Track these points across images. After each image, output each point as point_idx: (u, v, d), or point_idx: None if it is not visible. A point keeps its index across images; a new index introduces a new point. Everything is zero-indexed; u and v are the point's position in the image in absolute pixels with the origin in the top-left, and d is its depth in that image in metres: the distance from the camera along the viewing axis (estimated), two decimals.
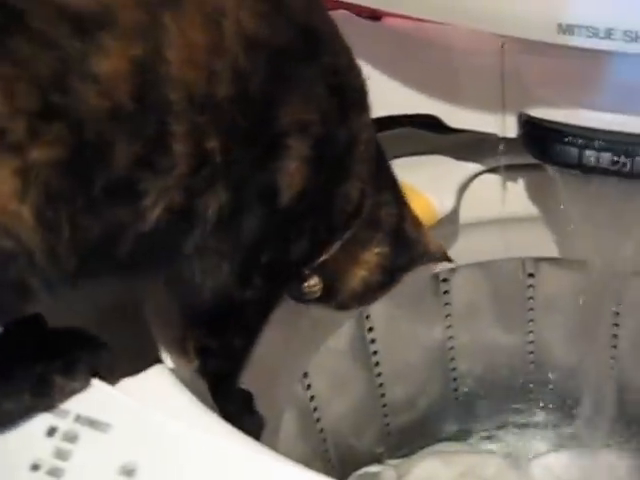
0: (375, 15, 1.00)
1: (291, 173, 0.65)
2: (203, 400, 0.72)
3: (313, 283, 0.80)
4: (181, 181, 0.57)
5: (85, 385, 0.66)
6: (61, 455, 0.61)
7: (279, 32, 0.61)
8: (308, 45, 0.64)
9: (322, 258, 0.77)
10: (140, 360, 0.74)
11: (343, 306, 0.87)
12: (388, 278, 0.85)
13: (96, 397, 0.66)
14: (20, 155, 0.49)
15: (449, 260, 0.97)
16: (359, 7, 0.93)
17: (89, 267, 0.59)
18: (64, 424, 0.63)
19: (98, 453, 0.61)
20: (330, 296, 0.83)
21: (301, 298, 0.82)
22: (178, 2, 0.54)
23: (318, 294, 0.81)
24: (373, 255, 0.82)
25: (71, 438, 0.62)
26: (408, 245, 0.86)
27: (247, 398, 0.84)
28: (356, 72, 0.72)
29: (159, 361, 0.75)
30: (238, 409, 0.80)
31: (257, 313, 0.79)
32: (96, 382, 0.67)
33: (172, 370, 0.74)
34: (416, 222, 0.87)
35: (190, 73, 0.54)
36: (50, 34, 0.49)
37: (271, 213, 0.66)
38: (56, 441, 0.62)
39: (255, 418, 0.83)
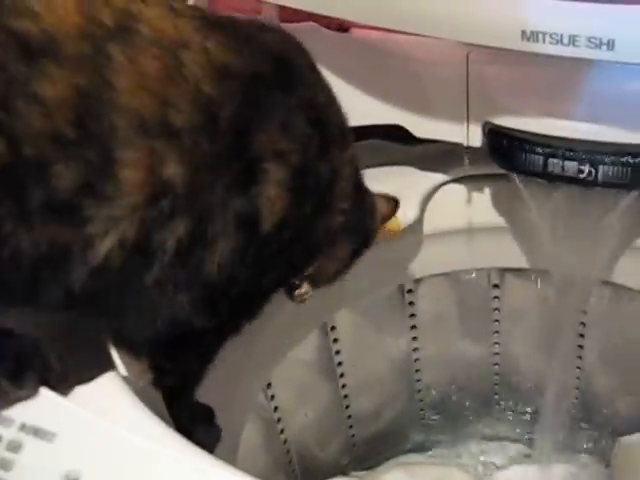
0: (343, 27, 1.01)
1: (272, 199, 0.65)
2: (157, 410, 0.70)
3: (304, 291, 0.83)
4: (134, 212, 0.57)
5: (32, 394, 0.64)
6: (3, 465, 0.59)
7: (252, 62, 0.63)
8: (282, 76, 0.66)
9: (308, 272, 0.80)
10: (94, 368, 0.72)
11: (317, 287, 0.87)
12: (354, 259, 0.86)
13: (43, 405, 0.64)
14: None
15: (397, 204, 0.93)
16: (327, 19, 0.94)
17: (37, 289, 0.59)
18: (8, 433, 0.61)
19: (41, 462, 0.60)
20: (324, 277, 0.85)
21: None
22: (129, 35, 0.56)
23: (308, 299, 0.84)
24: (346, 252, 0.83)
25: (15, 448, 0.60)
26: (370, 231, 0.87)
27: (205, 411, 0.82)
28: (336, 109, 0.73)
29: (113, 369, 0.73)
30: (193, 421, 0.78)
31: (218, 339, 0.78)
32: (44, 390, 0.66)
33: (126, 379, 0.72)
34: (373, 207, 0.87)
35: (142, 100, 0.56)
36: (1, 57, 0.52)
37: (251, 241, 0.65)
38: None
39: (211, 431, 0.82)
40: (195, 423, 0.79)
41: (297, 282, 0.83)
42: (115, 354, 0.74)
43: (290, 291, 0.83)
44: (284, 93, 0.66)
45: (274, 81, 0.65)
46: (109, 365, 0.73)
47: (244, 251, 0.65)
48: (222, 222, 0.62)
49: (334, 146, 0.71)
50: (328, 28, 0.98)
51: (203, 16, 0.63)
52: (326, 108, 0.72)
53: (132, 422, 0.66)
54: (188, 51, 0.59)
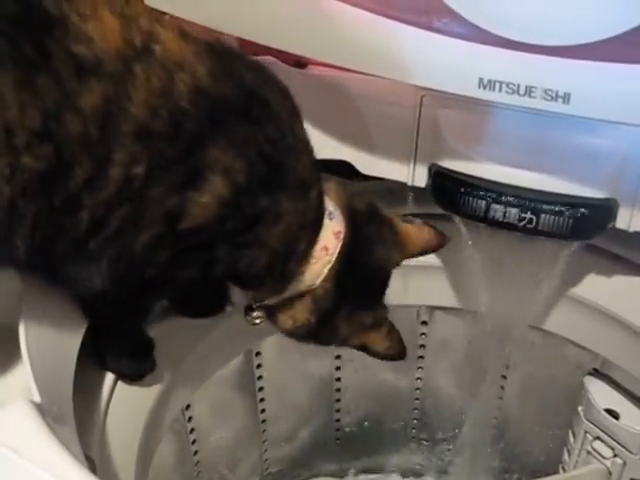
0: (301, 62, 1.00)
1: (201, 206, 0.71)
2: (66, 439, 0.66)
3: (255, 315, 0.88)
4: (108, 199, 0.66)
5: None
6: None
7: (226, 91, 0.71)
8: (252, 110, 0.73)
9: (265, 302, 0.86)
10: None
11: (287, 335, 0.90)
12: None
13: None
14: (16, 155, 0.60)
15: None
16: (285, 54, 0.93)
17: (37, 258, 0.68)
18: None
19: None
20: (274, 326, 0.89)
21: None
22: (149, 57, 0.66)
23: (259, 324, 0.89)
24: (303, 314, 0.85)
25: None
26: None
27: (140, 345, 0.89)
28: (304, 162, 0.77)
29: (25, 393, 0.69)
30: (120, 353, 0.87)
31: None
32: None
33: (38, 406, 0.67)
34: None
35: (144, 111, 0.65)
36: (62, 75, 0.61)
37: (167, 233, 0.72)
38: None
39: (139, 364, 0.90)
40: (122, 355, 0.87)
41: (254, 306, 0.88)
42: (29, 374, 0.70)
43: (245, 312, 0.89)
44: (248, 124, 0.72)
45: (243, 112, 0.72)
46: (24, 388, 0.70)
47: (161, 239, 0.72)
48: (156, 212, 0.70)
49: (283, 191, 0.76)
50: (286, 63, 0.97)
51: (208, 42, 0.72)
52: (288, 153, 0.76)
53: (46, 461, 0.62)
54: (181, 72, 0.67)
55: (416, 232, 0.90)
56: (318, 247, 0.81)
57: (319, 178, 0.81)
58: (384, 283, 0.90)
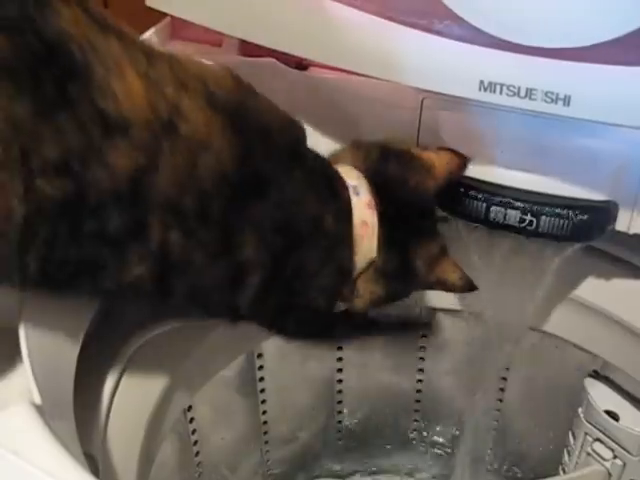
0: (302, 64, 1.00)
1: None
2: (67, 441, 0.66)
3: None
4: (150, 256, 0.68)
5: None
6: None
7: (246, 172, 0.72)
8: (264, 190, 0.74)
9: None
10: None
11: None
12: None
13: None
14: (31, 176, 0.59)
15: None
16: (286, 56, 0.93)
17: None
18: None
19: None
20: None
21: None
22: (174, 132, 0.66)
23: None
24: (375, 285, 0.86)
25: None
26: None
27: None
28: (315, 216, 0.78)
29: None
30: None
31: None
32: None
33: (38, 407, 0.67)
34: None
35: (171, 189, 0.66)
36: (87, 124, 0.61)
37: None
38: None
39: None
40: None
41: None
42: (30, 376, 0.70)
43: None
44: (262, 203, 0.74)
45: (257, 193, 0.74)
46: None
47: None
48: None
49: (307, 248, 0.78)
50: (287, 65, 0.97)
51: (234, 111, 0.72)
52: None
53: (47, 463, 0.61)
54: (206, 153, 0.68)
55: (437, 156, 0.90)
56: (357, 225, 0.81)
57: (334, 204, 0.81)
58: (431, 210, 0.90)
